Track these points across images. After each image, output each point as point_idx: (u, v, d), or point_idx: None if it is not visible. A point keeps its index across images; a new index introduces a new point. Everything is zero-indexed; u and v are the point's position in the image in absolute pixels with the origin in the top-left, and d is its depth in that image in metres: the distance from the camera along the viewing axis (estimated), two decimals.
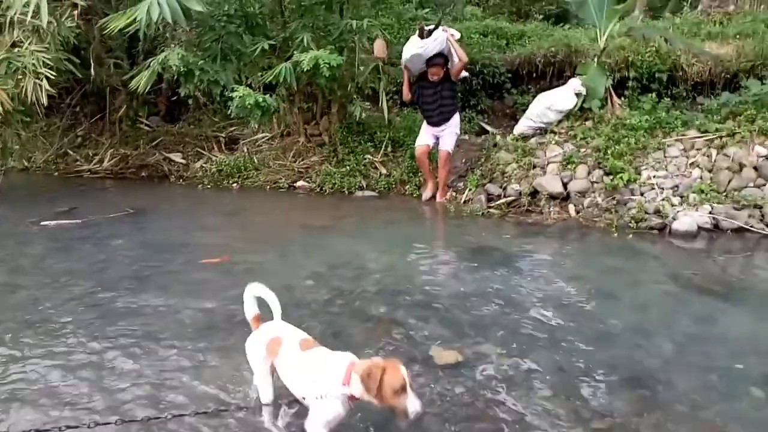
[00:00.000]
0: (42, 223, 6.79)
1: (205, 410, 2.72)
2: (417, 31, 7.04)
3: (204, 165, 9.50)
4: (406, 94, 7.41)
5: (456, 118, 7.38)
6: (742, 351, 3.48)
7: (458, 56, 7.00)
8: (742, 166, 6.44)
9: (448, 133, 7.32)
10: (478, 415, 2.84)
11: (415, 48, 6.94)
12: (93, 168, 10.20)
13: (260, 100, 7.06)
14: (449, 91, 7.21)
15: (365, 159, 8.62)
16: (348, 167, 8.47)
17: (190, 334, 3.79)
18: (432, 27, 7.01)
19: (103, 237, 6.30)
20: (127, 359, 3.47)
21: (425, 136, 7.46)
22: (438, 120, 7.26)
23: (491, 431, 2.72)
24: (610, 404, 2.92)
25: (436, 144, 7.48)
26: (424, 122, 7.51)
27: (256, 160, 9.15)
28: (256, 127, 9.56)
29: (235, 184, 8.94)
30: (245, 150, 9.51)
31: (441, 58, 6.99)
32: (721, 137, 6.80)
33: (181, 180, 9.45)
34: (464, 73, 7.48)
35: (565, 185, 6.95)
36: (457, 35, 7.18)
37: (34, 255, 5.75)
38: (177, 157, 9.97)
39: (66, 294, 4.55)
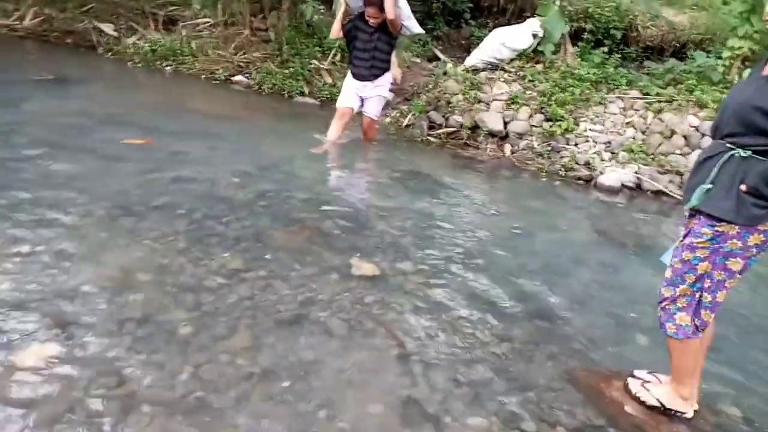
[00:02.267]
0: None
1: None
2: None
3: (137, 41, 8.85)
4: (336, 31, 5.74)
5: (387, 77, 5.82)
6: (638, 301, 3.67)
7: (386, 7, 5.24)
8: (673, 132, 6.66)
9: (376, 96, 5.83)
10: (382, 327, 2.88)
11: None
12: (11, 24, 9.27)
13: None
14: (386, 45, 5.63)
15: (311, 64, 8.30)
16: (291, 69, 8.13)
17: (102, 212, 3.59)
18: None
19: (15, 99, 5.81)
20: (30, 225, 3.26)
21: (349, 95, 5.84)
22: (366, 74, 5.67)
23: (393, 344, 2.76)
24: (511, 331, 3.03)
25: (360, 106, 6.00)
26: (348, 75, 5.89)
27: (194, 46, 8.61)
28: (198, 9, 8.92)
29: (168, 68, 8.41)
30: (183, 33, 8.91)
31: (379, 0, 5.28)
32: (659, 102, 6.97)
33: (110, 54, 8.78)
34: (417, 29, 5.86)
35: (505, 124, 6.98)
36: None
37: None
38: (108, 28, 9.22)
39: None
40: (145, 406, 2.14)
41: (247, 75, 8.25)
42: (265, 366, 2.45)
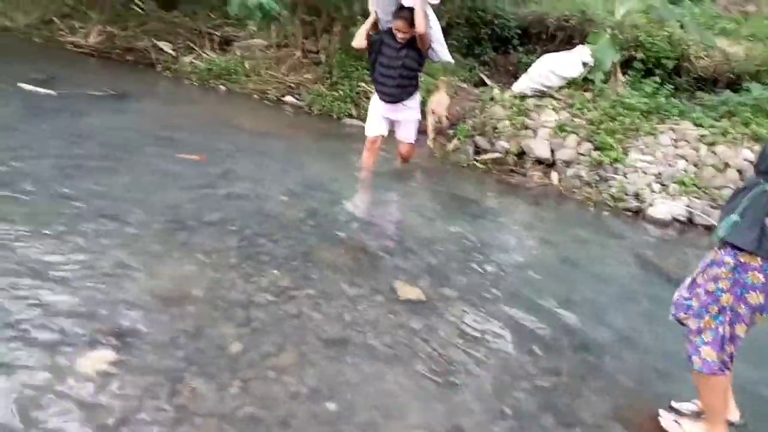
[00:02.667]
0: (19, 84, 6.50)
1: None
2: None
3: (194, 60, 9.16)
4: (360, 39, 5.19)
5: (417, 98, 5.43)
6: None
7: (416, 21, 4.82)
8: (727, 166, 6.48)
9: (409, 120, 5.45)
10: (429, 354, 2.88)
11: None
12: (77, 41, 9.74)
13: (264, 1, 6.76)
14: (414, 62, 5.17)
15: (359, 86, 8.42)
16: (341, 92, 8.27)
17: (157, 225, 3.71)
18: None
19: (79, 113, 6.08)
20: (91, 236, 3.40)
21: (377, 121, 5.43)
22: (395, 93, 5.21)
23: (438, 371, 2.76)
24: (558, 364, 2.99)
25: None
26: (374, 98, 5.46)
27: (247, 66, 8.86)
28: (254, 31, 9.20)
29: (222, 86, 8.67)
30: (238, 53, 9.19)
31: (411, 12, 4.86)
32: (713, 134, 6.81)
33: (167, 71, 9.11)
34: (446, 56, 5.35)
35: (552, 152, 6.92)
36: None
37: (5, 116, 5.53)
38: (167, 46, 9.58)
39: (33, 163, 4.39)
40: (196, 418, 2.20)
41: (297, 96, 8.43)
42: (311, 385, 2.49)
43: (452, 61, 5.80)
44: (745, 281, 2.24)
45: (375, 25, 5.21)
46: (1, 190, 3.82)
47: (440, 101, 7.22)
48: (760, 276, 2.21)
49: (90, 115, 6.01)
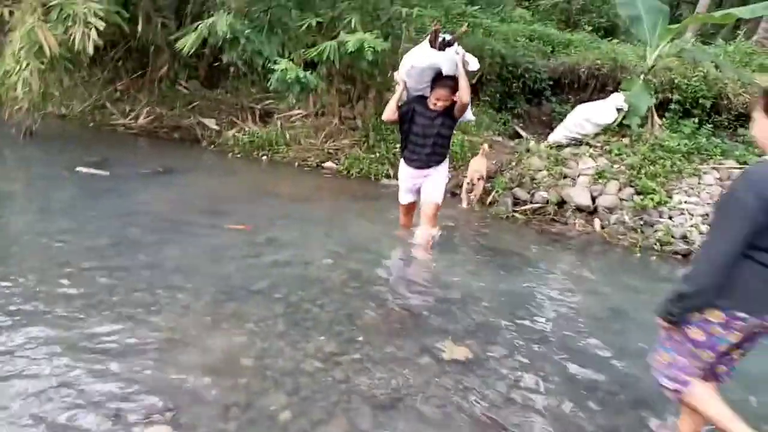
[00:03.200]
0: (77, 168, 6.91)
1: None
2: (429, 35, 4.76)
3: (236, 134, 9.55)
4: (391, 111, 4.98)
5: (446, 164, 5.23)
6: (751, 387, 3.42)
7: (461, 91, 4.72)
8: None
9: (437, 181, 5.14)
10: (481, 414, 2.84)
11: (431, 57, 4.69)
12: (127, 123, 10.31)
13: (301, 75, 7.08)
14: (449, 129, 5.02)
15: (395, 148, 8.60)
16: (378, 154, 8.48)
17: (207, 297, 3.83)
18: (449, 38, 4.71)
19: (130, 191, 6.39)
20: (143, 311, 3.53)
21: (408, 190, 5.28)
22: (426, 162, 5.04)
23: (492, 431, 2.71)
24: (615, 421, 2.90)
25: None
26: (403, 164, 5.24)
27: (288, 136, 9.19)
28: (293, 102, 9.59)
29: (264, 157, 8.98)
30: (278, 124, 9.55)
31: (453, 80, 4.75)
32: None
33: (212, 146, 9.52)
34: (470, 115, 5.26)
35: (593, 199, 6.88)
36: (474, 65, 4.91)
37: (63, 200, 5.85)
38: (211, 122, 10.04)
39: (89, 242, 4.62)
40: None
41: (336, 161, 8.67)
42: None
43: (473, 119, 5.86)
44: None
45: (402, 93, 5.03)
46: (60, 268, 4.02)
47: (478, 167, 7.14)
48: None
49: (140, 193, 6.31)
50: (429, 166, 5.07)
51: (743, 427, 2.41)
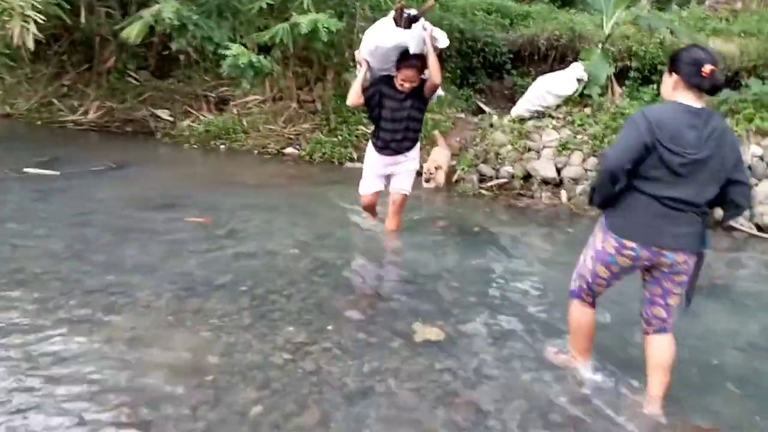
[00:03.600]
0: (24, 169, 6.60)
1: None
2: (393, 13, 4.31)
3: (192, 124, 9.28)
4: (355, 96, 4.55)
5: (417, 150, 4.87)
6: (721, 346, 3.48)
7: (431, 71, 4.39)
8: None
9: (406, 171, 4.81)
10: (455, 394, 2.78)
11: (397, 37, 4.26)
12: (77, 119, 9.91)
13: (254, 60, 6.88)
14: (420, 112, 4.65)
15: (358, 130, 8.48)
16: (340, 137, 8.33)
17: (168, 295, 3.68)
18: (415, 13, 4.29)
19: (83, 190, 6.13)
20: (102, 314, 3.37)
21: (373, 178, 4.86)
22: (398, 148, 4.67)
23: (467, 411, 2.66)
24: (589, 391, 2.87)
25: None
26: (371, 151, 4.84)
27: (245, 123, 8.97)
28: (248, 88, 9.33)
29: (222, 146, 8.76)
30: (235, 111, 9.31)
31: (420, 59, 4.37)
32: None
33: (167, 137, 9.23)
34: (439, 92, 4.79)
35: (558, 171, 6.89)
36: (443, 42, 4.51)
37: (11, 203, 5.58)
38: (164, 113, 9.73)
39: (41, 246, 4.41)
40: None
41: (297, 146, 8.49)
42: None
43: (444, 93, 5.30)
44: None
45: (366, 74, 4.55)
46: (11, 275, 3.82)
47: (436, 158, 6.95)
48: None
49: (94, 191, 6.07)
50: (401, 153, 4.69)
51: (583, 360, 2.97)
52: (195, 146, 8.79)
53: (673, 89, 2.56)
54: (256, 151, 8.54)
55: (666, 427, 2.64)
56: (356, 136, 8.38)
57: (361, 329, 3.36)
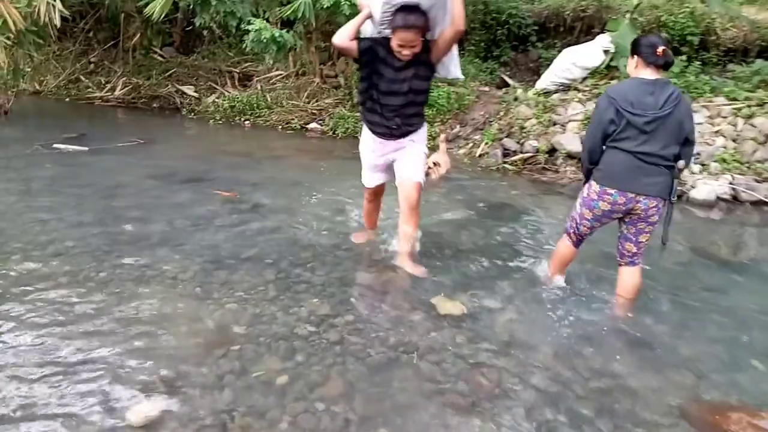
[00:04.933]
0: (54, 145, 6.74)
1: None
2: None
3: (216, 100, 9.35)
4: (346, 35, 3.38)
5: (424, 132, 3.84)
6: (749, 322, 3.43)
7: (455, 11, 3.31)
8: None
9: (412, 154, 3.74)
10: (476, 367, 2.81)
11: None
12: (104, 96, 10.08)
13: (277, 35, 6.87)
14: (425, 82, 3.60)
15: None
16: None
17: (196, 267, 3.76)
18: None
19: (111, 165, 6.25)
20: (132, 286, 3.46)
21: (373, 170, 3.93)
22: (396, 130, 3.66)
23: (489, 385, 2.69)
24: (611, 365, 2.88)
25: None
26: (366, 133, 3.83)
27: (269, 99, 9.00)
28: (271, 64, 9.35)
29: (246, 122, 8.81)
30: (258, 87, 9.34)
31: (422, 17, 3.30)
32: (749, 106, 6.58)
33: (192, 113, 9.32)
34: (458, 72, 3.75)
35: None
36: None
37: (43, 178, 5.72)
38: (189, 90, 9.82)
39: (72, 221, 4.52)
40: None
41: (320, 122, 8.51)
42: (360, 413, 2.45)
43: (462, 77, 4.14)
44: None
45: (364, 19, 3.49)
46: (43, 248, 3.94)
47: (436, 159, 6.32)
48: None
49: (121, 166, 6.18)
50: (403, 136, 3.69)
51: (559, 278, 3.67)
52: (220, 122, 8.86)
53: (635, 68, 3.13)
54: (279, 127, 8.57)
55: (692, 403, 2.64)
56: None
57: (383, 302, 3.41)
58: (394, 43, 3.34)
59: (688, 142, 3.11)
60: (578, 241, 3.51)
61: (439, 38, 3.44)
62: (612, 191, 3.14)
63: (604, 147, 3.18)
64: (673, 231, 5.15)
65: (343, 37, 3.39)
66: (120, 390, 2.52)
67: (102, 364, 2.69)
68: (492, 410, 2.50)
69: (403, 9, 3.26)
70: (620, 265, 3.44)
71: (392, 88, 3.53)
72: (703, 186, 5.90)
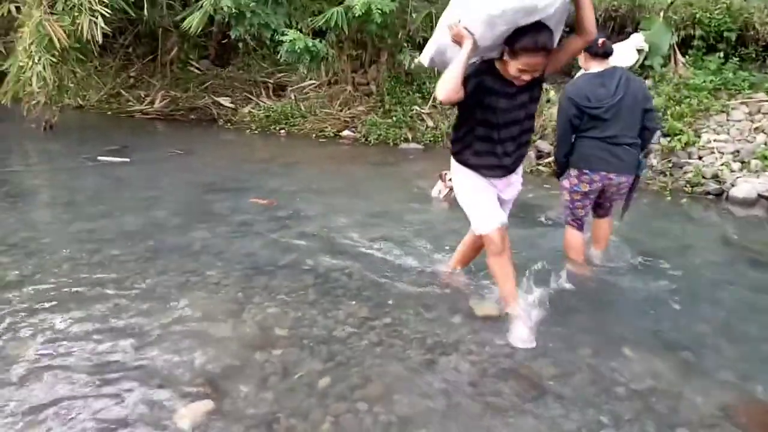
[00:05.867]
0: (98, 158, 6.98)
1: None
2: None
3: (252, 110, 9.55)
4: (454, 88, 2.75)
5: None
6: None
7: (585, 18, 2.76)
8: None
9: (516, 192, 3.37)
10: (516, 368, 2.82)
11: None
12: (144, 109, 10.37)
13: (310, 44, 7.01)
14: (535, 104, 3.11)
15: (412, 110, 8.50)
16: (394, 118, 8.38)
17: (236, 274, 3.86)
18: None
19: (152, 176, 6.44)
20: (176, 292, 3.57)
21: (494, 204, 3.21)
22: (512, 164, 3.16)
23: (529, 385, 2.70)
24: (654, 366, 2.86)
25: None
26: (469, 174, 3.19)
27: (303, 108, 9.15)
28: (305, 73, 9.51)
29: (282, 131, 8.97)
30: (293, 97, 9.50)
31: (551, 35, 2.77)
32: None
33: (229, 124, 9.53)
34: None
35: None
36: None
37: (87, 189, 5.93)
38: (226, 101, 10.04)
39: (116, 229, 4.68)
40: None
41: (353, 129, 8.61)
42: (401, 414, 2.48)
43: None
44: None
45: (469, 56, 2.76)
46: (90, 256, 4.09)
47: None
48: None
49: (162, 176, 6.37)
50: (514, 171, 3.23)
51: (581, 262, 3.98)
52: (256, 132, 9.04)
53: (585, 62, 3.64)
54: (314, 135, 8.70)
55: (737, 404, 2.60)
56: (410, 117, 8.41)
57: (421, 305, 3.43)
58: (514, 68, 2.78)
59: (647, 112, 3.61)
60: (580, 225, 3.94)
61: (560, 50, 2.90)
62: (587, 171, 3.66)
63: (573, 138, 3.68)
64: (714, 230, 5.10)
65: (450, 94, 2.78)
66: (167, 393, 2.60)
67: (150, 369, 2.78)
68: (533, 411, 2.50)
69: (530, 29, 2.67)
70: (595, 218, 4.05)
71: (507, 119, 2.98)
72: (744, 184, 5.78)
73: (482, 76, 2.89)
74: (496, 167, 3.11)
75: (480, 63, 2.93)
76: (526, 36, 2.69)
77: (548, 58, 2.79)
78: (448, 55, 2.86)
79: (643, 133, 3.67)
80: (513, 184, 3.29)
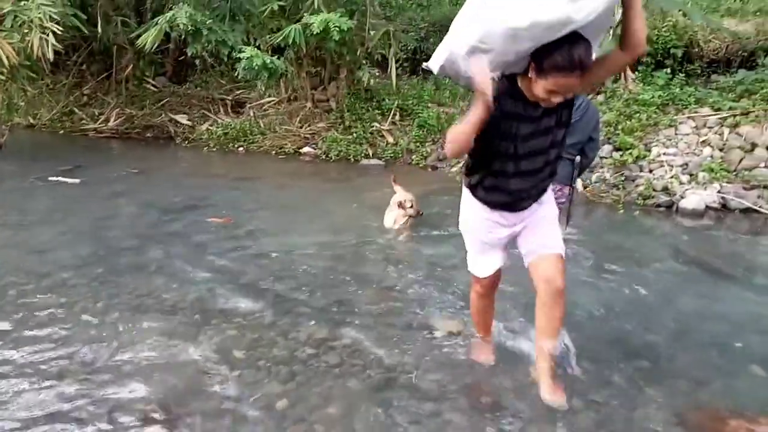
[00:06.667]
0: (49, 178, 6.78)
1: None
2: None
3: (210, 127, 9.44)
4: (465, 143, 2.29)
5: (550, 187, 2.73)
6: (744, 328, 3.46)
7: (634, 32, 2.20)
8: (754, 145, 6.34)
9: (549, 217, 2.69)
10: (477, 385, 2.84)
11: (561, 6, 1.99)
12: (98, 127, 10.15)
13: (268, 61, 6.98)
14: (565, 128, 2.47)
15: (372, 126, 8.55)
16: (354, 134, 8.41)
17: (193, 295, 3.78)
18: None
19: (107, 196, 6.29)
20: (130, 315, 3.48)
21: (491, 251, 2.81)
22: (531, 197, 2.59)
23: (486, 402, 2.71)
24: (609, 376, 2.91)
25: None
26: (478, 208, 2.67)
27: (262, 125, 9.09)
28: (263, 90, 9.47)
29: (240, 148, 8.89)
30: (251, 114, 9.44)
31: (589, 50, 2.15)
32: (734, 116, 6.69)
33: (186, 142, 9.40)
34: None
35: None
36: None
37: (39, 210, 5.75)
38: (183, 118, 9.91)
39: (67, 253, 4.54)
40: None
41: (313, 145, 8.60)
42: None
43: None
44: None
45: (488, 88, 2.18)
46: (39, 280, 3.95)
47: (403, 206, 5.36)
48: None
49: (117, 196, 6.23)
50: (533, 203, 2.63)
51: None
52: (214, 149, 8.93)
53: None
54: (273, 152, 8.65)
55: (691, 411, 2.66)
56: (371, 133, 8.45)
57: (381, 323, 3.43)
58: (541, 89, 2.21)
59: (591, 139, 3.80)
60: None
61: (599, 65, 2.31)
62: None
63: None
64: (666, 241, 5.25)
65: (461, 154, 2.46)
66: (120, 419, 2.53)
67: (102, 395, 2.70)
68: (492, 427, 2.52)
69: (563, 41, 2.10)
70: None
71: (530, 148, 2.42)
72: (692, 195, 5.98)
73: (502, 100, 2.27)
74: (509, 204, 2.59)
75: (500, 81, 2.31)
76: (557, 51, 2.11)
77: (584, 77, 2.20)
78: (461, 66, 2.28)
79: (582, 155, 3.83)
80: (536, 212, 2.64)
